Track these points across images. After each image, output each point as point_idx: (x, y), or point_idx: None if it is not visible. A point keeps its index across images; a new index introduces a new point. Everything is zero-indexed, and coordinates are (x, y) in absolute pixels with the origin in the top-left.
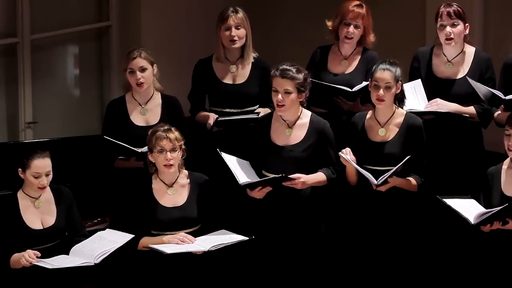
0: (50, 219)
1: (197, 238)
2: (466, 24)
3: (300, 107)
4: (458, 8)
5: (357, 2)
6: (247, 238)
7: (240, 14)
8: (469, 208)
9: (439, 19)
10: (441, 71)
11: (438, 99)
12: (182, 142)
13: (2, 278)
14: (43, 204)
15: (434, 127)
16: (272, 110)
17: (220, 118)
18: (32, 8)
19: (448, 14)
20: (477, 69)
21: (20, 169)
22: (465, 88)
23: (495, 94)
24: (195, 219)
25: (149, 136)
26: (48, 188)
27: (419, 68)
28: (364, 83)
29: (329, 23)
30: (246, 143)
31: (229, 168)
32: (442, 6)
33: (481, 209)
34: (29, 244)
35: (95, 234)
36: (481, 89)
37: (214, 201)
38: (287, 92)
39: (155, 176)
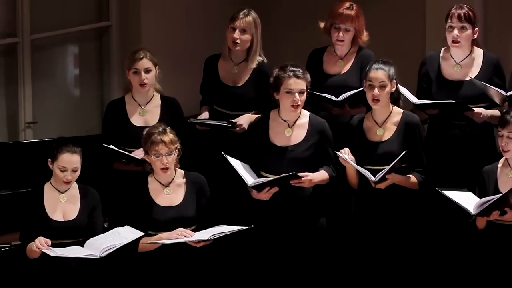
0: (72, 214)
1: (195, 233)
2: (476, 29)
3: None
4: (469, 12)
5: (347, 4)
6: (246, 228)
7: (249, 18)
8: (468, 200)
9: (449, 20)
10: (450, 73)
11: (481, 110)
12: (178, 143)
13: (21, 266)
14: (67, 198)
15: (448, 129)
16: (268, 112)
17: (193, 120)
18: (32, 8)
19: (459, 16)
20: (487, 71)
21: (49, 159)
22: (475, 90)
23: (502, 93)
24: (191, 218)
25: (144, 137)
26: (76, 185)
27: (427, 72)
28: (351, 92)
29: (321, 24)
30: (243, 145)
31: (236, 171)
32: (454, 8)
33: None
34: (48, 236)
35: (112, 229)
36: (490, 90)
37: (210, 201)
38: (302, 92)
39: (151, 175)
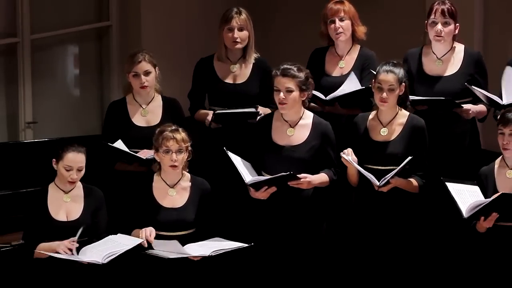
0: (76, 214)
1: (193, 244)
2: (457, 24)
3: (302, 108)
4: (452, 7)
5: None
6: (246, 245)
7: (243, 16)
8: (468, 197)
9: (432, 16)
10: (431, 68)
11: (470, 107)
12: (189, 144)
13: (25, 266)
14: (71, 198)
15: (432, 126)
16: (272, 110)
17: (218, 111)
18: (32, 8)
19: (442, 12)
20: (468, 67)
21: (54, 160)
22: (456, 85)
23: (493, 99)
24: (191, 222)
25: (156, 135)
26: (80, 185)
27: (409, 69)
28: (340, 93)
29: (319, 32)
30: (246, 142)
31: (235, 167)
32: (436, 3)
33: (481, 198)
34: (52, 236)
35: (105, 238)
36: (482, 94)
37: (212, 209)
38: (289, 91)
39: (158, 174)
